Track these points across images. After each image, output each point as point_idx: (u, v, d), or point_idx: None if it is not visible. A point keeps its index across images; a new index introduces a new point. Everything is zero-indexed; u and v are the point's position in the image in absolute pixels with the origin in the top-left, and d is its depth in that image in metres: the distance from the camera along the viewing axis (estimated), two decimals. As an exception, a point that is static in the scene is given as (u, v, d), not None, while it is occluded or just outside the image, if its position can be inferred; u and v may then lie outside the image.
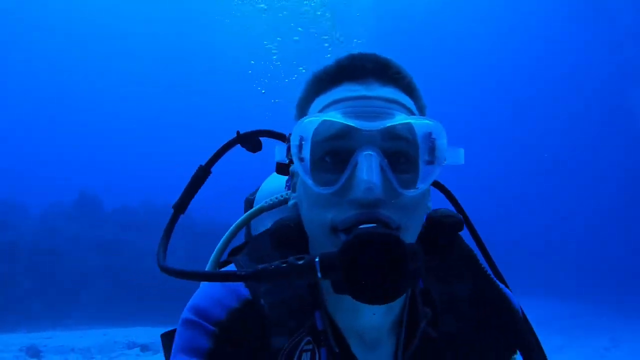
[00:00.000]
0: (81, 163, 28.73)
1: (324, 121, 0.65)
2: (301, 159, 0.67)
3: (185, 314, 0.74)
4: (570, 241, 25.93)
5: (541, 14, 26.53)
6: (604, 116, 27.65)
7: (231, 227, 0.92)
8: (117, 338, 9.17)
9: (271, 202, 0.88)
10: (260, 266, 0.61)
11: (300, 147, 0.67)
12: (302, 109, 0.77)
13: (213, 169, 0.98)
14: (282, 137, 0.91)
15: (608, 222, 26.29)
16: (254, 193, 1.09)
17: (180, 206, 0.95)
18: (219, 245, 0.92)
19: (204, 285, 0.79)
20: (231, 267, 0.82)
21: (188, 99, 33.04)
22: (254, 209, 0.92)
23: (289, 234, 0.75)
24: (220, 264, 0.92)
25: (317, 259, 0.59)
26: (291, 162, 0.75)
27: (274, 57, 15.37)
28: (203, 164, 0.94)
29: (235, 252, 0.89)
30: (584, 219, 27.86)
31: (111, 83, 30.40)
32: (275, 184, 0.99)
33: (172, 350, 0.70)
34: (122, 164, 31.20)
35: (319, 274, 0.58)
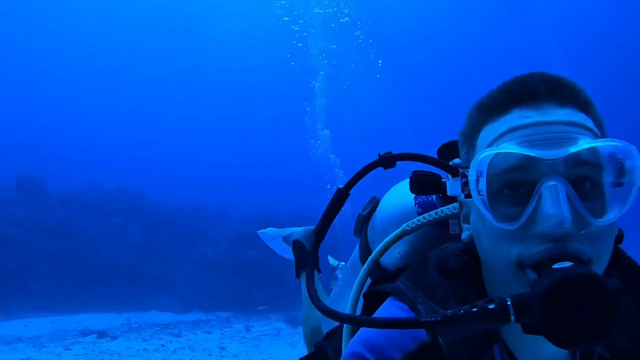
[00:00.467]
0: (21, 146, 26.60)
1: (500, 154, 0.62)
2: (479, 192, 0.64)
3: (357, 347, 0.68)
4: None
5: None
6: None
7: (374, 253, 0.83)
8: (68, 326, 8.79)
9: (414, 226, 0.82)
10: (449, 312, 0.58)
11: (477, 181, 0.64)
12: (470, 141, 0.72)
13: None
14: (429, 161, 0.87)
15: None
16: (368, 208, 1.01)
17: (321, 231, 0.92)
18: (364, 270, 0.84)
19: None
20: (381, 293, 0.77)
21: (134, 79, 31.45)
22: (395, 233, 0.83)
23: (458, 265, 0.72)
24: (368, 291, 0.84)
25: (509, 302, 0.56)
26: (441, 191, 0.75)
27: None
28: (342, 186, 0.91)
29: (386, 279, 0.80)
30: None
31: (54, 59, 28.20)
32: (398, 201, 0.92)
33: None
34: (69, 147, 29.25)
35: (513, 318, 0.55)
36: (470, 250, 0.72)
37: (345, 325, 0.81)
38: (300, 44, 19.57)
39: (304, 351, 6.75)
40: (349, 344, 0.69)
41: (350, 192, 0.91)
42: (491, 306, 0.56)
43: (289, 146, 30.31)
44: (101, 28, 28.84)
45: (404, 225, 0.81)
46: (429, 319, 0.58)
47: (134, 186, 16.13)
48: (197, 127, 34.65)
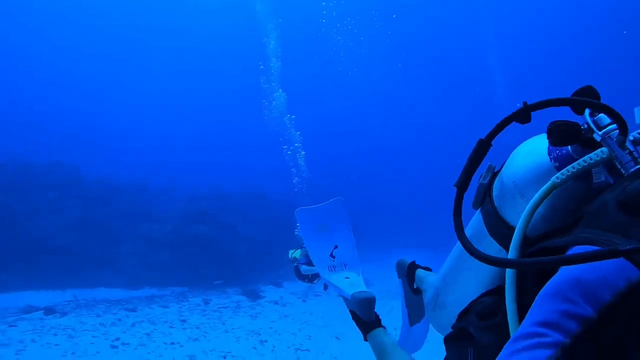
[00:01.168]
0: None
1: None
2: None
3: (561, 288, 0.58)
4: None
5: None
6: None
7: (527, 209, 0.73)
8: (5, 304, 8.03)
9: (564, 177, 0.72)
10: None
11: None
12: None
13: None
14: (582, 103, 0.78)
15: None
16: (488, 177, 0.92)
17: (464, 184, 0.86)
18: (520, 224, 0.74)
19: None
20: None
21: (65, 45, 28.53)
22: (546, 187, 0.73)
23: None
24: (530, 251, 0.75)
25: None
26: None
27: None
28: (483, 137, 0.84)
29: (552, 234, 0.73)
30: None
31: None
32: (529, 160, 0.84)
33: (528, 322, 0.56)
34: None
35: None
36: None
37: (508, 286, 0.72)
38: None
39: (265, 323, 6.90)
40: (547, 287, 0.59)
41: (492, 142, 0.83)
42: None
43: (243, 113, 29.52)
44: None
45: (552, 178, 0.72)
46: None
47: (67, 160, 14.88)
48: (137, 99, 32.31)
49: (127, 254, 11.89)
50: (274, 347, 6.59)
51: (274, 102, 16.23)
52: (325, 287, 6.30)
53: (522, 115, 0.79)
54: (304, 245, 6.45)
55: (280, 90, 16.35)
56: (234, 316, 8.44)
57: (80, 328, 6.70)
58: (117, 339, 6.34)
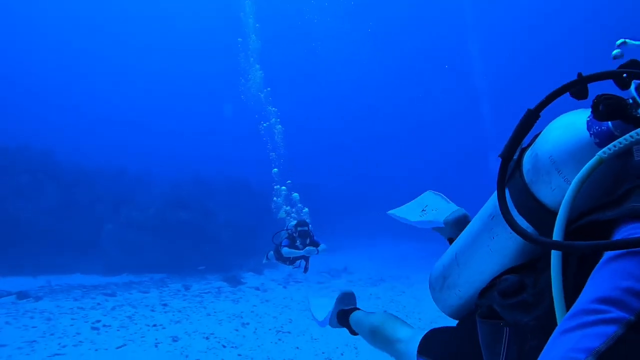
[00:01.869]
0: None
1: None
2: None
3: (627, 282, 0.53)
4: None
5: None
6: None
7: (573, 185, 0.69)
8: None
9: (611, 152, 0.68)
10: None
11: None
12: None
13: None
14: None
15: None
16: (517, 153, 0.87)
17: (509, 155, 0.82)
18: (566, 201, 0.69)
19: None
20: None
21: (43, 28, 27.29)
22: (592, 162, 0.68)
23: None
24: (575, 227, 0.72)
25: None
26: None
27: None
28: (532, 107, 0.80)
29: (596, 210, 0.70)
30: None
31: None
32: (568, 135, 0.79)
33: (587, 298, 0.53)
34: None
35: None
36: None
37: (554, 271, 0.67)
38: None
39: (246, 307, 7.01)
40: (606, 263, 0.56)
41: (540, 114, 0.80)
42: None
43: (220, 94, 29.06)
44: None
45: (599, 153, 0.67)
46: None
47: (41, 144, 14.40)
48: (112, 83, 31.30)
49: (105, 240, 11.67)
50: (256, 329, 6.68)
51: (251, 79, 16.09)
52: (306, 270, 6.44)
53: (577, 88, 0.75)
54: (286, 228, 6.56)
55: (257, 66, 16.19)
56: (216, 301, 8.46)
57: (58, 311, 6.58)
58: (98, 321, 6.28)
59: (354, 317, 1.81)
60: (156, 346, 5.55)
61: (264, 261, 6.98)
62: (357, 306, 2.01)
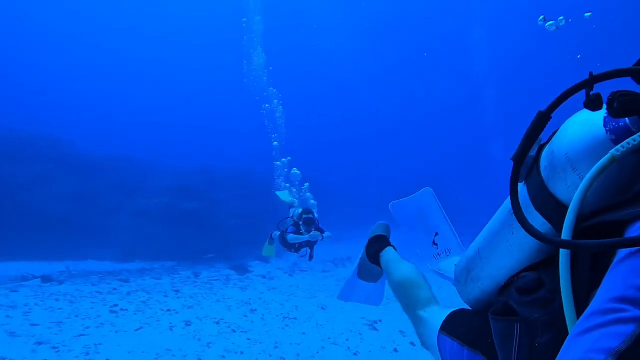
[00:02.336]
0: None
1: None
2: None
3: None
4: None
5: None
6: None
7: (584, 182, 0.69)
8: (1, 272, 8.26)
9: (624, 150, 0.68)
10: None
11: None
12: None
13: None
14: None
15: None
16: (535, 149, 0.87)
17: (521, 157, 0.82)
18: (576, 200, 0.69)
19: None
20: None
21: (55, 23, 27.57)
22: (605, 159, 0.68)
23: None
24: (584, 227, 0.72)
25: None
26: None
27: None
28: (543, 109, 0.79)
29: (608, 209, 0.70)
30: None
31: None
32: (584, 131, 0.78)
33: (603, 298, 0.53)
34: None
35: None
36: None
37: (562, 270, 0.68)
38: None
39: (254, 294, 7.40)
40: (620, 262, 0.55)
41: (552, 115, 0.79)
42: None
43: (224, 86, 29.23)
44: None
45: (612, 150, 0.67)
46: None
47: (57, 133, 14.82)
48: (122, 76, 31.64)
49: (118, 227, 12.12)
50: (263, 315, 7.06)
51: (254, 62, 16.29)
52: (311, 257, 6.69)
53: (591, 98, 0.73)
54: (291, 216, 6.75)
55: (259, 47, 16.34)
56: (224, 287, 8.87)
57: (79, 295, 7.03)
58: (115, 305, 6.71)
59: (386, 254, 1.66)
60: (171, 329, 5.95)
61: (266, 243, 6.98)
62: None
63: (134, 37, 30.61)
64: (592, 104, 0.72)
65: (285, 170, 9.93)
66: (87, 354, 4.74)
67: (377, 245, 1.65)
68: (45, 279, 7.60)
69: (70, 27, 28.41)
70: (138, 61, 31.55)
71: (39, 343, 4.87)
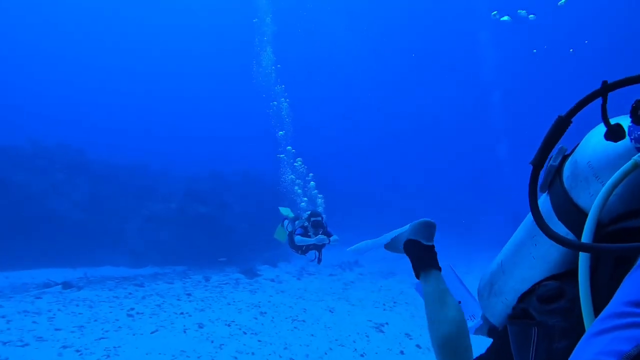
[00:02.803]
0: None
1: None
2: None
3: None
4: None
5: None
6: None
7: (605, 187, 0.71)
8: (23, 280, 8.68)
9: None
10: None
11: None
12: None
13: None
14: None
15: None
16: (559, 158, 0.88)
17: (540, 162, 0.82)
18: (596, 206, 0.71)
19: None
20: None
21: (69, 31, 28.29)
22: (627, 166, 0.70)
23: None
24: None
25: None
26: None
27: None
28: (563, 114, 0.80)
29: (629, 215, 0.71)
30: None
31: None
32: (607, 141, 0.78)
33: (619, 301, 0.53)
34: (5, 103, 26.09)
35: None
36: None
37: (581, 278, 0.69)
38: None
39: (263, 297, 7.72)
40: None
41: (572, 120, 0.79)
42: None
43: (234, 93, 29.67)
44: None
45: (635, 157, 0.69)
46: None
47: (74, 143, 15.33)
48: (134, 84, 32.35)
49: (133, 233, 12.51)
50: (273, 318, 7.34)
51: (263, 62, 16.56)
52: (319, 261, 6.88)
53: (612, 126, 0.73)
54: (300, 218, 6.88)
55: (268, 48, 16.62)
56: (234, 291, 9.18)
57: (98, 300, 7.39)
58: (132, 309, 7.05)
59: (431, 281, 1.41)
60: (185, 332, 6.26)
61: (279, 225, 6.93)
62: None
63: (147, 48, 31.27)
64: (614, 135, 0.71)
65: (292, 161, 10.02)
66: (108, 356, 5.07)
67: (424, 254, 1.38)
68: (66, 285, 7.97)
69: (83, 40, 29.16)
70: (148, 66, 32.19)
71: (65, 347, 5.21)
